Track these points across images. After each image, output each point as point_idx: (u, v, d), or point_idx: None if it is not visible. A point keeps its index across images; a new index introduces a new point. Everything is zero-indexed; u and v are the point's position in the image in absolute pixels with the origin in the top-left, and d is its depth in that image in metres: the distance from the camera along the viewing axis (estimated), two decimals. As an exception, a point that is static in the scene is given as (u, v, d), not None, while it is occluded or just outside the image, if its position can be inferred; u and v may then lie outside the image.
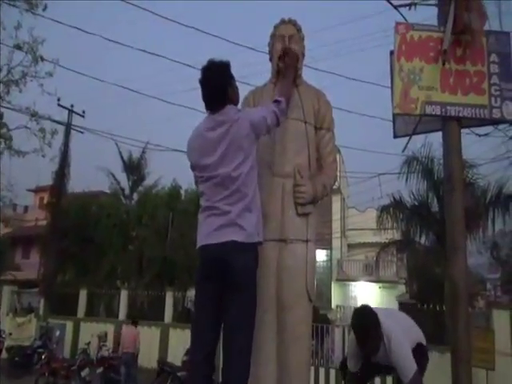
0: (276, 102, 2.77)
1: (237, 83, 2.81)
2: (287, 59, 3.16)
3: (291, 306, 2.96)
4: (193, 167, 2.73)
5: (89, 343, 13.53)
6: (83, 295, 17.34)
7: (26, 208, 34.29)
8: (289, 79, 3.06)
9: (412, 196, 12.63)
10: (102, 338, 13.54)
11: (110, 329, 15.13)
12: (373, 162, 17.01)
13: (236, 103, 2.77)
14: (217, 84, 2.64)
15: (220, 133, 2.56)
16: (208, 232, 2.55)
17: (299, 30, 3.32)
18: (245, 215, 2.54)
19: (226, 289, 2.50)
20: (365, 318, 3.30)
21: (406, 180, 12.08)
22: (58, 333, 14.55)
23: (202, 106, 2.73)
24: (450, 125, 4.39)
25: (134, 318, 12.24)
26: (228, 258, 2.49)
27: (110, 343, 13.79)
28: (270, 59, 3.33)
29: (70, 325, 16.47)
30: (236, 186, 2.53)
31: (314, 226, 3.20)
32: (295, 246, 3.04)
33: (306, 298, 3.04)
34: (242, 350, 2.50)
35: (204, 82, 2.67)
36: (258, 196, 2.70)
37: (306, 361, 3.02)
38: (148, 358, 13.76)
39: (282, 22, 3.32)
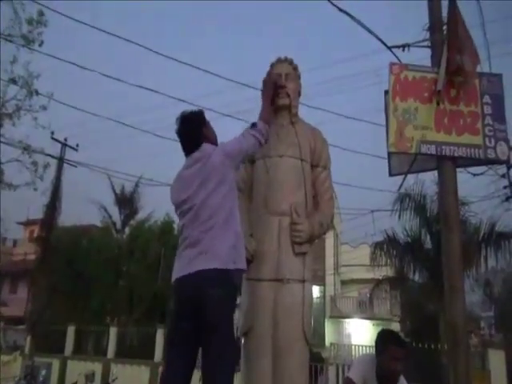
0: (252, 125, 2.84)
1: (213, 126, 2.88)
2: (265, 81, 3.19)
3: (288, 348, 2.89)
4: (175, 207, 2.74)
5: (75, 383, 13.10)
6: (71, 332, 16.92)
7: (15, 241, 33.81)
8: (266, 100, 3.07)
9: (405, 232, 12.63)
10: (90, 377, 13.08)
11: (97, 367, 14.69)
12: (366, 198, 17.11)
13: (214, 143, 2.80)
14: (190, 131, 2.75)
15: (196, 168, 2.63)
16: (182, 265, 2.53)
17: (295, 68, 3.37)
18: (217, 242, 2.50)
19: (200, 329, 2.42)
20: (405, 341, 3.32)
21: (399, 217, 12.09)
22: (43, 372, 14.09)
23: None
24: (446, 165, 4.43)
25: None
26: (201, 292, 2.41)
27: (97, 383, 13.37)
28: (267, 97, 3.35)
29: (56, 363, 15.98)
30: (208, 213, 2.54)
31: (310, 265, 3.15)
32: (292, 286, 3.00)
33: (303, 341, 2.98)
34: None
35: (179, 133, 2.79)
36: (237, 221, 2.64)
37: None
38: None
39: (279, 60, 3.38)
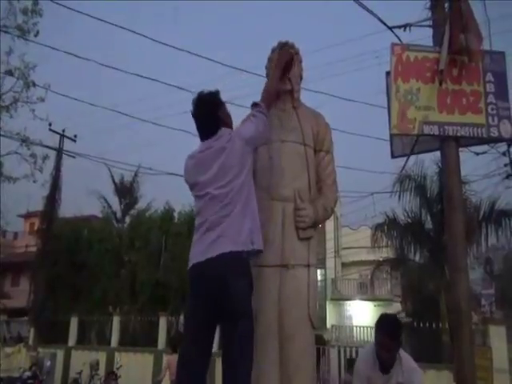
0: (254, 105, 2.83)
1: (228, 106, 2.87)
2: (279, 55, 3.15)
3: (294, 334, 2.88)
4: (190, 187, 2.77)
5: (80, 372, 13.19)
6: (74, 322, 16.96)
7: (15, 234, 33.81)
8: (275, 74, 3.04)
9: (405, 213, 12.66)
10: (94, 366, 13.19)
11: (102, 357, 14.78)
12: (366, 181, 17.10)
13: (229, 126, 2.80)
14: (208, 114, 2.72)
15: (215, 153, 2.62)
16: (201, 249, 2.54)
17: (297, 52, 3.31)
18: (236, 225, 2.55)
19: (220, 316, 2.46)
20: (396, 320, 3.39)
21: (399, 198, 12.12)
22: (48, 363, 14.18)
23: (195, 131, 2.79)
24: (449, 145, 4.40)
25: (175, 346, 11.47)
26: (223, 279, 2.44)
27: (102, 371, 13.46)
28: (268, 82, 3.30)
29: (60, 354, 16.06)
30: (228, 199, 2.56)
31: (314, 250, 3.14)
32: (297, 271, 2.99)
33: (308, 326, 2.98)
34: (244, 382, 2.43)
35: (195, 115, 2.76)
36: (254, 205, 2.69)
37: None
38: (142, 386, 13.46)
39: (280, 44, 3.31)
